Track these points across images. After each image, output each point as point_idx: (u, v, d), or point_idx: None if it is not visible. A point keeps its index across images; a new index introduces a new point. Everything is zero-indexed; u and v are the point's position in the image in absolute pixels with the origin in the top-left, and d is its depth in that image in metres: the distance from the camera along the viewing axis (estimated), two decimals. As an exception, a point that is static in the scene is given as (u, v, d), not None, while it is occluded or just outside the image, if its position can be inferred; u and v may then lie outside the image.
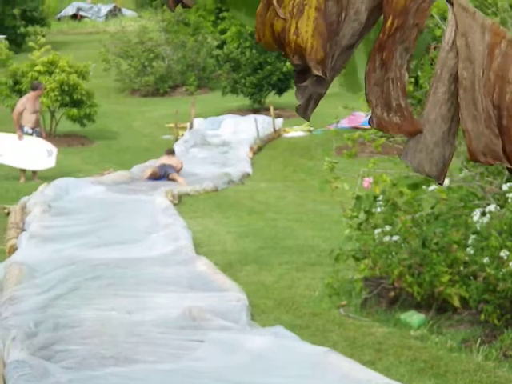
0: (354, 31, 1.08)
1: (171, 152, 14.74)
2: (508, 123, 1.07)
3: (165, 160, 14.15)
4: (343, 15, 1.07)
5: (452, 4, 1.09)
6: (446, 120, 1.10)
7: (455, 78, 1.09)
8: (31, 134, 14.15)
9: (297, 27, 1.06)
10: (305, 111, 1.13)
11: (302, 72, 1.08)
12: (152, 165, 14.37)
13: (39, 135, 14.41)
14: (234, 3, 1.30)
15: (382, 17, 1.09)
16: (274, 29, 1.07)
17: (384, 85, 1.08)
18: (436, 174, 1.12)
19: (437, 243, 6.42)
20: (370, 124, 1.09)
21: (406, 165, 1.11)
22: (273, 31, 1.08)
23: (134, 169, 14.40)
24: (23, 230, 9.27)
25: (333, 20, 1.07)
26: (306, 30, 1.06)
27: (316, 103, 1.13)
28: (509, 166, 1.08)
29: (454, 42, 1.08)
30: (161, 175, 13.86)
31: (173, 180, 13.62)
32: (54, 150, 14.12)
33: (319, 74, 1.06)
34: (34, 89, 14.61)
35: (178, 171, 14.08)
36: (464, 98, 1.08)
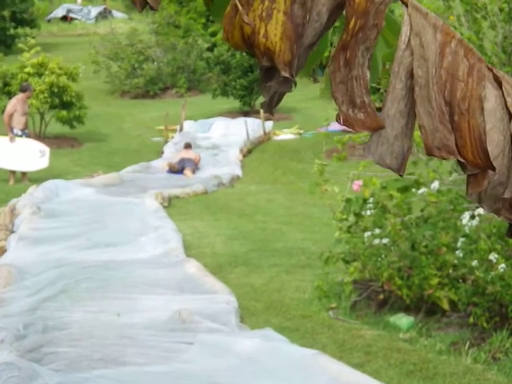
0: (316, 31, 1.13)
1: (188, 146, 15.49)
2: (459, 119, 1.12)
3: (184, 154, 14.84)
4: (307, 17, 1.12)
5: (406, 5, 1.14)
6: (404, 115, 1.15)
7: (411, 75, 1.14)
8: (21, 136, 14.13)
9: (266, 30, 1.10)
10: (269, 107, 1.18)
11: (268, 71, 1.13)
12: (171, 158, 15.13)
13: (28, 137, 14.40)
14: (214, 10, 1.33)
15: (343, 18, 1.14)
16: (244, 31, 1.11)
17: (348, 83, 1.12)
18: (396, 167, 1.16)
19: (426, 246, 6.44)
20: (337, 121, 1.13)
21: (369, 157, 1.14)
22: (243, 33, 1.11)
23: (124, 171, 14.40)
24: (12, 231, 9.25)
25: (298, 23, 1.11)
26: (274, 34, 1.10)
27: (280, 99, 1.19)
28: (461, 159, 1.13)
29: (409, 40, 1.14)
30: (179, 169, 14.59)
31: (185, 175, 14.37)
32: (47, 150, 14.12)
33: (287, 75, 1.11)
34: (23, 90, 14.58)
35: (196, 164, 14.89)
36: (419, 95, 1.13)
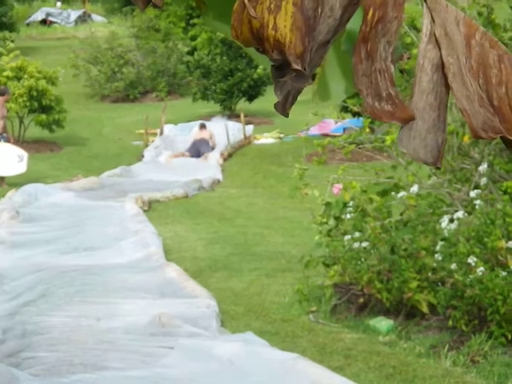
0: (330, 27, 1.10)
1: (203, 126, 16.30)
2: (499, 103, 1.10)
3: (197, 135, 15.30)
4: (319, 11, 1.09)
5: None
6: (434, 108, 1.13)
7: (437, 68, 1.12)
8: (-1, 140, 14.05)
9: (275, 22, 1.07)
10: (283, 107, 1.14)
11: (280, 67, 1.09)
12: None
13: (6, 141, 14.31)
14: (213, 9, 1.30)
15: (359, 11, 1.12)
16: (252, 25, 1.08)
17: (372, 75, 1.10)
18: (432, 160, 1.13)
19: (405, 249, 6.47)
20: (363, 113, 1.10)
21: (402, 151, 1.12)
22: (251, 27, 1.08)
23: (104, 175, 14.35)
24: (-9, 236, 9.18)
25: (309, 15, 1.08)
26: (284, 25, 1.07)
27: (294, 99, 1.14)
28: (510, 137, 1.11)
29: (431, 33, 1.12)
30: (194, 155, 15.50)
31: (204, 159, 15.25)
32: (25, 154, 14.03)
33: (299, 67, 1.07)
34: (1, 94, 14.50)
35: (212, 144, 15.82)
36: (454, 81, 1.11)
